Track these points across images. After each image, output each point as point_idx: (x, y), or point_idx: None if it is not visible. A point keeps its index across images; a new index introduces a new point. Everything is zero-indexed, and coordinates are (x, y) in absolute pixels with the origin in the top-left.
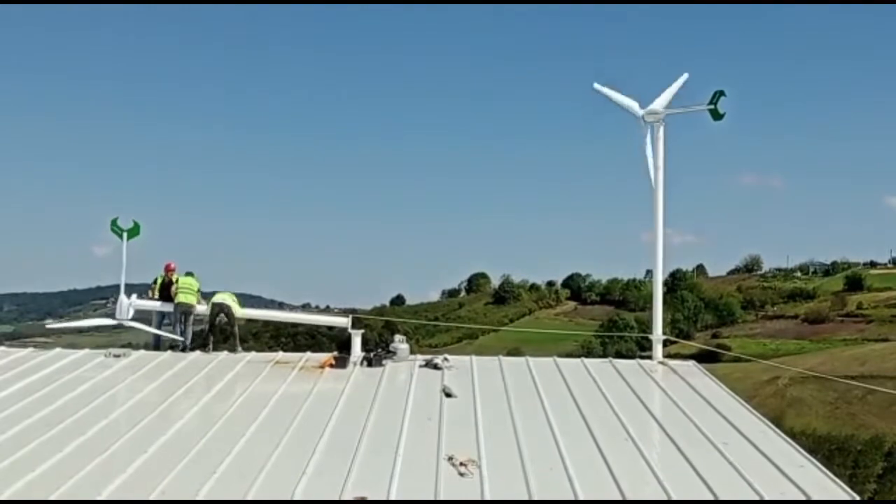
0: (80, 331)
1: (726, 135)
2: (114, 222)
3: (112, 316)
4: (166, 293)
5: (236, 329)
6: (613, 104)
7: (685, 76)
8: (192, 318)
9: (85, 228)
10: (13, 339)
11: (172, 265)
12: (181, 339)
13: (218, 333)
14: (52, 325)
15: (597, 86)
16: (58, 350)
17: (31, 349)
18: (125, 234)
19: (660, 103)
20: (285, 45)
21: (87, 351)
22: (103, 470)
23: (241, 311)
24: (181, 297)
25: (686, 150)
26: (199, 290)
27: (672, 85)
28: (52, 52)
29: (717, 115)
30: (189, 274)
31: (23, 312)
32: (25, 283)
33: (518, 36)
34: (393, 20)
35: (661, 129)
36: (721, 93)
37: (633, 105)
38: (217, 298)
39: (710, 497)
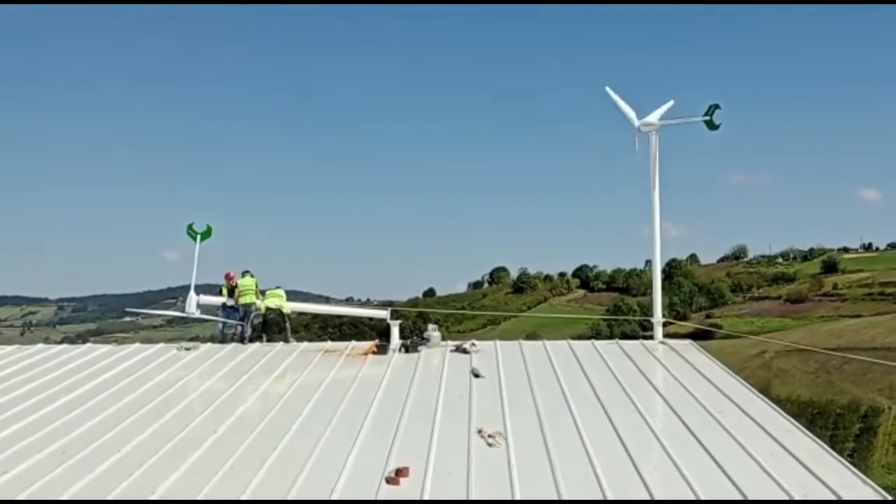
0: (160, 317)
1: (716, 138)
2: (189, 227)
3: (182, 310)
4: (232, 295)
5: (288, 324)
6: (615, 108)
7: (671, 103)
8: (252, 315)
9: (157, 235)
10: (97, 335)
11: (231, 274)
12: (247, 330)
13: (273, 327)
14: (131, 309)
15: (608, 89)
16: (136, 345)
17: (113, 345)
18: (199, 237)
19: (653, 117)
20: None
21: (161, 345)
22: (179, 448)
23: (291, 306)
24: (242, 299)
25: (680, 152)
26: (256, 287)
27: (659, 108)
28: (119, 65)
29: (712, 126)
30: (246, 273)
31: (105, 311)
32: (106, 286)
33: (522, 37)
34: (422, 19)
35: (655, 138)
36: (716, 106)
37: (632, 115)
38: (268, 302)
39: (708, 459)
